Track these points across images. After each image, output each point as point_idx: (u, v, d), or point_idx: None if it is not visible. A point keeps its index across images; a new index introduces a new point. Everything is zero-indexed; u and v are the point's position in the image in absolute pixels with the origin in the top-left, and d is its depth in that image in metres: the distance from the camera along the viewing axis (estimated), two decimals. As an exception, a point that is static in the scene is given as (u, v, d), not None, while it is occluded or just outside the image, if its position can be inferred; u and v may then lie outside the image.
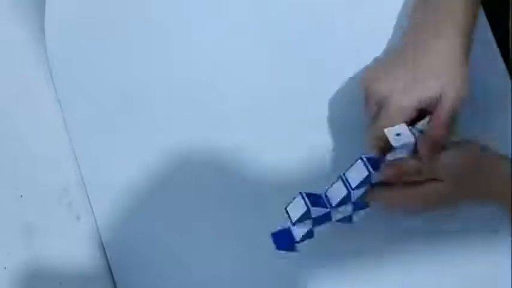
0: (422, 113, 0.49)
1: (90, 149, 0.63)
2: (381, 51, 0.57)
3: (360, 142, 0.57)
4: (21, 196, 0.54)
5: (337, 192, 0.49)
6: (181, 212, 0.61)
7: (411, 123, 0.49)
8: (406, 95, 0.48)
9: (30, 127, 0.58)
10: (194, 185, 0.61)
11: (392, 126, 0.48)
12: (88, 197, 0.63)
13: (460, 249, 0.54)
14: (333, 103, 0.59)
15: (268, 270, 0.59)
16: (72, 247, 0.59)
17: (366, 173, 0.48)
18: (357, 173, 0.48)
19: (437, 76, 0.48)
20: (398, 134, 0.47)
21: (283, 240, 0.50)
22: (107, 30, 0.63)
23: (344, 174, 0.49)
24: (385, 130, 0.48)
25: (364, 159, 0.48)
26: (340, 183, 0.49)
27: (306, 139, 0.59)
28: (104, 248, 0.62)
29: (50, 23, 0.63)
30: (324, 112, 0.59)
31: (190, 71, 0.61)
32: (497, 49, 0.57)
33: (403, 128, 0.48)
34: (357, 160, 0.49)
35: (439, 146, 0.48)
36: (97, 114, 0.63)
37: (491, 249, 0.53)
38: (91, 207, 0.63)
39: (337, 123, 0.59)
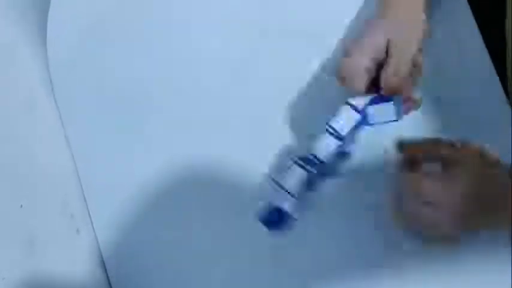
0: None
1: (91, 161, 0.63)
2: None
3: (370, 149, 0.57)
4: (21, 206, 0.54)
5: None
6: (182, 226, 0.61)
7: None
8: (360, 53, 0.53)
9: (32, 138, 0.59)
10: (195, 199, 0.61)
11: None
12: (88, 211, 0.63)
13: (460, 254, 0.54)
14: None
15: (269, 282, 0.59)
16: (72, 260, 0.59)
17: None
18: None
19: (384, 27, 0.53)
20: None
21: (274, 219, 0.51)
22: (109, 48, 0.64)
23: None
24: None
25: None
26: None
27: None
28: (103, 261, 0.62)
29: (52, 32, 0.64)
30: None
31: (193, 78, 0.62)
32: (492, 64, 0.58)
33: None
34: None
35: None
36: (98, 126, 0.64)
37: (491, 253, 0.53)
38: (91, 220, 0.63)
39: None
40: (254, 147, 0.60)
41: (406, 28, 0.54)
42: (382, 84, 0.53)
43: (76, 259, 0.59)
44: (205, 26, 0.63)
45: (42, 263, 0.54)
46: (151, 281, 0.61)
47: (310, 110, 0.59)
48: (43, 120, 0.62)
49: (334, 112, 0.54)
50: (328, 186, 0.57)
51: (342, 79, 0.53)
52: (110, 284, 0.62)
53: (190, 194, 0.61)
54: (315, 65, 0.60)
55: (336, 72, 0.54)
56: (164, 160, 0.61)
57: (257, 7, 0.61)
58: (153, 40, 0.64)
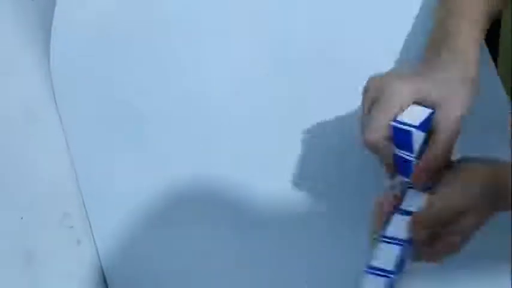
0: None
1: (92, 172, 0.63)
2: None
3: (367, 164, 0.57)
4: (22, 218, 0.53)
5: None
6: (185, 239, 0.60)
7: None
8: (405, 83, 0.44)
9: (33, 148, 0.58)
10: (197, 211, 0.60)
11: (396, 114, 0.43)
12: (89, 222, 0.62)
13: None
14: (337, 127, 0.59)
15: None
16: (73, 271, 0.59)
17: None
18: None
19: (447, 83, 0.44)
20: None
21: None
22: (112, 58, 0.64)
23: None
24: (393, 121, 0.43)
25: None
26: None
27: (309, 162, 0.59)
28: (104, 273, 0.62)
29: (55, 40, 0.63)
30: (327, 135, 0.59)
31: (199, 88, 0.62)
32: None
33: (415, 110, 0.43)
34: None
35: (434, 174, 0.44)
36: (100, 136, 0.63)
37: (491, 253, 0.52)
38: (91, 231, 0.62)
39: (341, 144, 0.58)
40: (257, 159, 0.59)
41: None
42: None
43: (76, 270, 0.59)
44: (214, 38, 0.62)
45: (42, 274, 0.54)
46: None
47: (318, 127, 0.59)
48: (44, 130, 0.62)
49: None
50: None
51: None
52: (110, 295, 0.62)
53: (193, 206, 0.61)
54: (326, 84, 0.59)
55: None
56: (167, 171, 0.61)
57: (268, 22, 0.61)
58: (158, 51, 0.63)
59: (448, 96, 0.44)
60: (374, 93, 0.45)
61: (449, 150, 0.44)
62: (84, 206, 0.63)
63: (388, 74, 0.46)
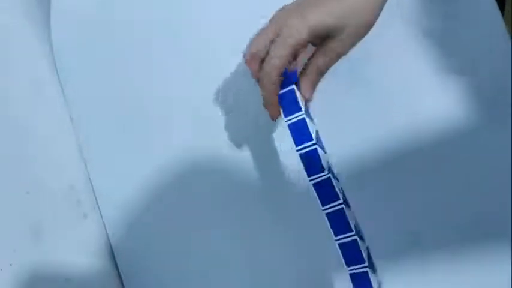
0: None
1: (97, 148, 0.63)
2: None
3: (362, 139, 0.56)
4: (28, 193, 0.54)
5: None
6: (191, 211, 0.60)
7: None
8: (300, 19, 0.43)
9: (39, 126, 0.58)
10: (202, 186, 0.60)
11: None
12: (95, 195, 0.63)
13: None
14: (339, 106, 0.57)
15: (277, 272, 0.59)
16: (80, 245, 0.59)
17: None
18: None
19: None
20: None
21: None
22: (113, 30, 0.63)
23: None
24: None
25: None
26: None
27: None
28: (111, 245, 0.62)
29: (56, 24, 0.63)
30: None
31: (201, 73, 0.61)
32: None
33: None
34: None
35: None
36: (104, 114, 0.63)
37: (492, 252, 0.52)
38: (98, 205, 0.63)
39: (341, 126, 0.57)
40: (259, 150, 0.59)
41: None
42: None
43: (84, 244, 0.60)
44: (214, 25, 0.60)
45: (49, 248, 0.54)
46: (158, 264, 0.61)
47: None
48: (48, 103, 0.62)
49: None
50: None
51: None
52: (117, 267, 0.62)
53: (199, 178, 0.60)
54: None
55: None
56: (171, 149, 0.61)
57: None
58: (160, 23, 0.62)
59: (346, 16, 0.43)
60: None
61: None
62: (90, 180, 0.63)
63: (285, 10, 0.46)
